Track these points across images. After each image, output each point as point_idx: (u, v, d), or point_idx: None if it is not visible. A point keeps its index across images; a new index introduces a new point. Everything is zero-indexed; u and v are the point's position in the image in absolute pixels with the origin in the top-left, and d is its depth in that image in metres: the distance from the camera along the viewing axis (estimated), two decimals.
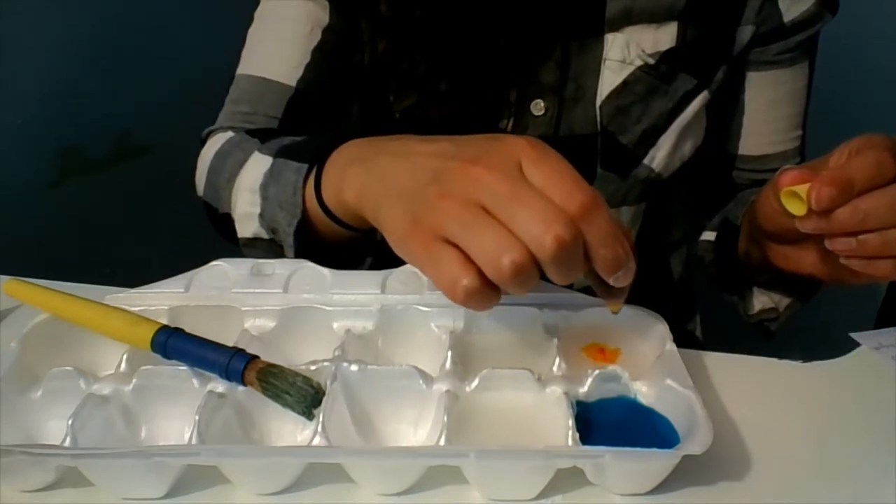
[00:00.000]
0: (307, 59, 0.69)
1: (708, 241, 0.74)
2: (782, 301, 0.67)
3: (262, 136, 0.65)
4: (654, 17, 0.65)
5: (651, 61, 0.65)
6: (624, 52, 0.65)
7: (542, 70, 0.66)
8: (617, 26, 0.65)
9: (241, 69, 0.72)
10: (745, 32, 0.67)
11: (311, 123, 0.69)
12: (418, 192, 0.41)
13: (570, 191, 0.39)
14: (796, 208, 0.47)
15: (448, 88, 0.66)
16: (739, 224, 0.65)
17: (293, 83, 0.69)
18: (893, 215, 0.45)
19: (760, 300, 0.67)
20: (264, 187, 0.58)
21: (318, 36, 0.69)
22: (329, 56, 0.69)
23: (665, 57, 0.66)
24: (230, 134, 0.68)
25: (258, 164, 0.59)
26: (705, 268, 0.75)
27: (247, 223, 0.60)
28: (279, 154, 0.59)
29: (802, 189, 0.46)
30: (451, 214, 0.39)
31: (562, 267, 0.39)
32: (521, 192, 0.39)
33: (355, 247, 0.58)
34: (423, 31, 0.65)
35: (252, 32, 0.72)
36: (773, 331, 0.68)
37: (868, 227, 0.45)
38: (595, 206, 0.39)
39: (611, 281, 0.41)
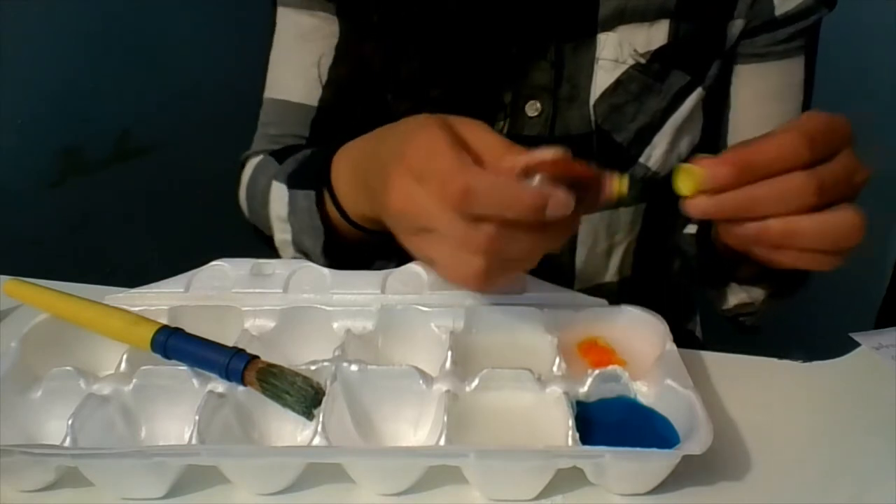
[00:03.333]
0: (324, 77, 0.70)
1: (690, 235, 0.73)
2: (760, 295, 0.66)
3: (283, 154, 0.68)
4: (646, 16, 0.65)
5: (643, 60, 0.65)
6: (617, 52, 0.65)
7: (536, 71, 0.66)
8: (610, 26, 0.65)
9: (266, 93, 0.74)
10: (737, 26, 0.67)
11: (338, 136, 0.70)
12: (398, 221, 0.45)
13: (442, 191, 0.40)
14: (686, 187, 0.44)
15: (442, 92, 0.66)
16: None
17: (314, 103, 0.71)
18: (784, 205, 0.43)
19: (738, 296, 0.67)
20: (290, 215, 0.62)
21: (332, 53, 0.70)
22: (345, 71, 0.70)
23: (657, 55, 0.65)
24: (260, 157, 0.71)
25: (279, 194, 0.63)
26: (689, 261, 0.74)
27: (285, 248, 0.64)
28: (289, 185, 0.62)
29: (695, 168, 0.43)
30: (410, 246, 0.45)
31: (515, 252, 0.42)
32: (434, 230, 0.42)
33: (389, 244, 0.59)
34: (415, 36, 0.65)
35: (272, 56, 0.73)
36: (749, 325, 0.67)
37: (756, 214, 0.43)
38: (466, 192, 0.40)
39: (548, 216, 0.41)
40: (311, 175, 0.59)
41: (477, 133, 0.43)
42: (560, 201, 0.40)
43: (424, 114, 0.45)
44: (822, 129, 0.43)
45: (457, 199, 0.40)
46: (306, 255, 0.62)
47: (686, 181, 0.44)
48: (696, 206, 0.44)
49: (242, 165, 0.74)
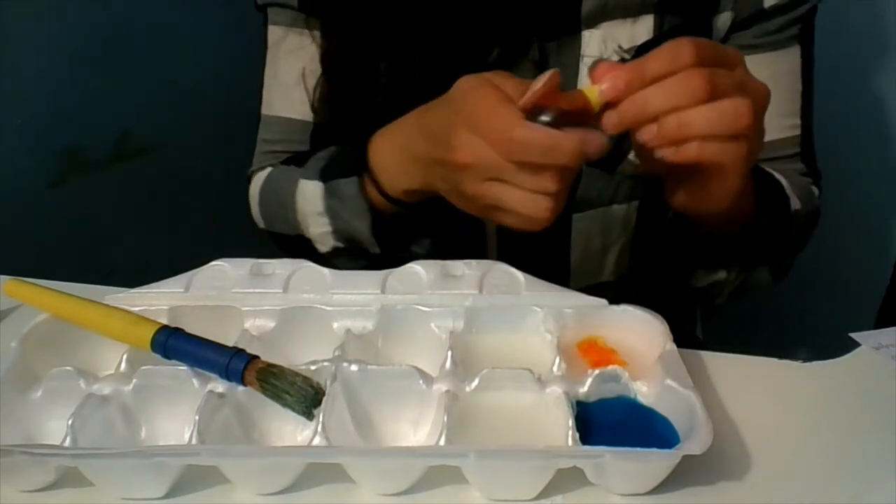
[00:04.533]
0: (317, 91, 0.71)
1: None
2: (734, 275, 0.65)
3: (294, 162, 0.70)
4: (629, 11, 0.64)
5: (627, 56, 0.65)
6: (601, 49, 0.65)
7: (520, 71, 0.65)
8: (593, 23, 0.65)
9: (264, 110, 0.75)
10: (724, 19, 0.66)
11: (340, 144, 0.71)
12: (453, 180, 0.51)
13: (501, 146, 0.46)
14: (593, 106, 0.47)
15: (427, 95, 0.66)
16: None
17: (310, 118, 0.72)
18: (676, 98, 0.45)
19: (716, 275, 0.66)
20: (330, 208, 0.64)
21: (319, 67, 0.70)
22: (334, 82, 0.71)
23: (642, 50, 0.65)
24: (269, 169, 0.73)
25: (312, 190, 0.65)
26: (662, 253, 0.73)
27: (324, 241, 0.66)
28: (324, 177, 0.65)
29: (593, 87, 0.46)
30: (479, 194, 0.50)
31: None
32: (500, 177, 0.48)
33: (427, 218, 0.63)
34: (397, 39, 0.65)
35: (267, 73, 0.75)
36: (720, 303, 0.68)
37: (652, 112, 0.46)
38: (512, 147, 0.46)
39: (589, 156, 0.46)
40: (348, 164, 0.63)
41: (505, 82, 0.49)
42: (595, 141, 0.46)
43: (469, 76, 0.50)
44: (709, 45, 0.47)
45: (514, 153, 0.46)
46: (351, 242, 0.64)
47: (591, 100, 0.46)
48: (607, 121, 0.47)
49: (248, 181, 0.75)
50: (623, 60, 0.65)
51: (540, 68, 0.66)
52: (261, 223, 0.74)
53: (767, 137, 0.72)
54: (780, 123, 0.72)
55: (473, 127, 0.48)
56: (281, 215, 0.69)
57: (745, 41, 0.68)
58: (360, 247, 0.64)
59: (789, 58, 0.70)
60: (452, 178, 0.51)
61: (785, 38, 0.69)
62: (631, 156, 0.68)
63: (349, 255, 0.66)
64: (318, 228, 0.66)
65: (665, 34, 0.65)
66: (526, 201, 0.48)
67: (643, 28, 0.65)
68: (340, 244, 0.66)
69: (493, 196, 0.49)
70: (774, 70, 0.70)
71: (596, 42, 0.65)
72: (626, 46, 0.65)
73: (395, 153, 0.59)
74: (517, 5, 0.64)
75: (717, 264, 0.65)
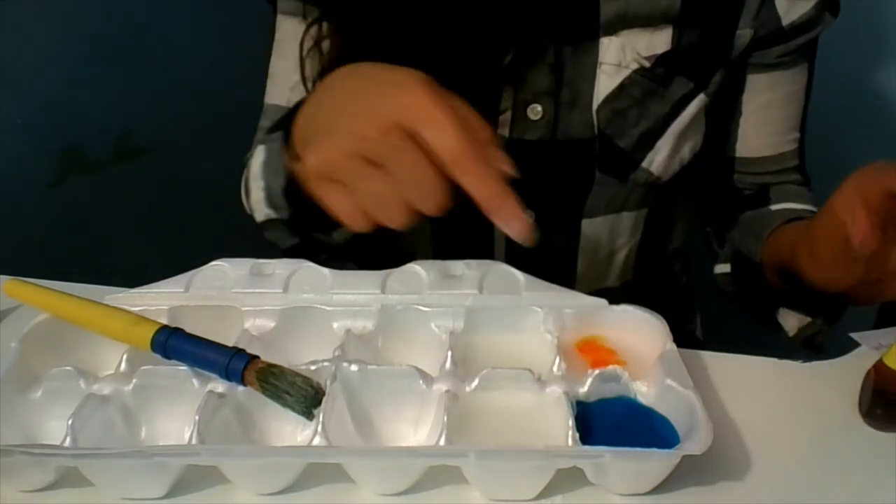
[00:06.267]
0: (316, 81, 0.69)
1: (725, 274, 0.73)
2: (816, 316, 0.65)
3: None
4: (650, 21, 0.64)
5: (647, 64, 0.65)
6: (619, 56, 0.65)
7: (535, 75, 0.65)
8: (612, 30, 0.64)
9: (266, 98, 0.74)
10: (743, 36, 0.67)
11: None
12: (318, 137, 0.45)
13: (446, 144, 0.41)
14: None
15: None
16: (758, 261, 0.64)
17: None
18: None
19: (797, 318, 0.66)
20: (264, 167, 0.61)
21: (318, 55, 0.69)
22: None
23: (661, 60, 0.65)
24: None
25: (260, 153, 0.63)
26: (728, 297, 0.74)
27: (259, 208, 0.63)
28: (270, 133, 0.62)
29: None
30: (339, 166, 0.43)
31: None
32: (402, 152, 0.42)
33: None
34: (409, 40, 0.65)
35: (272, 62, 0.73)
36: (820, 343, 0.66)
37: None
38: (464, 156, 0.41)
39: (495, 221, 0.43)
40: (280, 123, 0.60)
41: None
42: (519, 221, 0.43)
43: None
44: None
45: (450, 163, 0.42)
46: (276, 209, 0.61)
47: None
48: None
49: (244, 169, 0.72)
50: (642, 68, 0.65)
51: (556, 72, 0.65)
52: (249, 209, 0.68)
53: (778, 150, 0.74)
54: (790, 137, 0.73)
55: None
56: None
57: (767, 60, 0.69)
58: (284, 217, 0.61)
59: (801, 74, 0.72)
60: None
61: (799, 56, 0.70)
62: (644, 164, 0.68)
63: (278, 229, 0.63)
64: (256, 193, 0.63)
65: (683, 47, 0.65)
66: (337, 213, 0.44)
67: (662, 38, 0.65)
68: (271, 212, 0.62)
69: (320, 197, 0.45)
70: (789, 87, 0.72)
71: (614, 49, 0.65)
72: (644, 55, 0.65)
73: (305, 103, 0.52)
74: (534, 8, 0.64)
75: (809, 311, 0.65)
